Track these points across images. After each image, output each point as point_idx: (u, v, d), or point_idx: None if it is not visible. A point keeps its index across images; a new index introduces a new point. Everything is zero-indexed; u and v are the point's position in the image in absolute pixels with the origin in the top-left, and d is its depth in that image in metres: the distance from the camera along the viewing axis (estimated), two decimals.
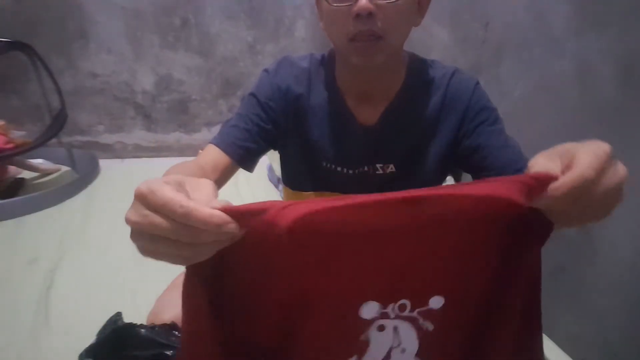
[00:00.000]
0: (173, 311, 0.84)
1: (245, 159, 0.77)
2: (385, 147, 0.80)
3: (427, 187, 0.38)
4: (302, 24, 2.14)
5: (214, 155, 0.75)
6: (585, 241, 0.97)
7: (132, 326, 0.75)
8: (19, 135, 1.72)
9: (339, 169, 0.82)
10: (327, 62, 0.81)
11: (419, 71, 0.80)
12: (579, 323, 1.00)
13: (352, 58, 0.70)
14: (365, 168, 0.81)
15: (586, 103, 0.95)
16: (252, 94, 0.80)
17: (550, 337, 1.03)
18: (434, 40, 1.52)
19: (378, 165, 0.81)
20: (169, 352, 0.71)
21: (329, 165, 0.82)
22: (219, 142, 0.76)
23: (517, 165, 0.73)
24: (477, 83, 0.79)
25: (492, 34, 1.27)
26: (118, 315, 0.80)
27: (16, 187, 1.74)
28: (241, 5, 2.05)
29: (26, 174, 1.84)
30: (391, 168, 0.81)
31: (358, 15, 0.63)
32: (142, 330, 0.74)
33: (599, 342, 0.95)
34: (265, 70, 0.82)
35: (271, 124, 0.80)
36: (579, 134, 1.07)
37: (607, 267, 0.92)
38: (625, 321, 0.89)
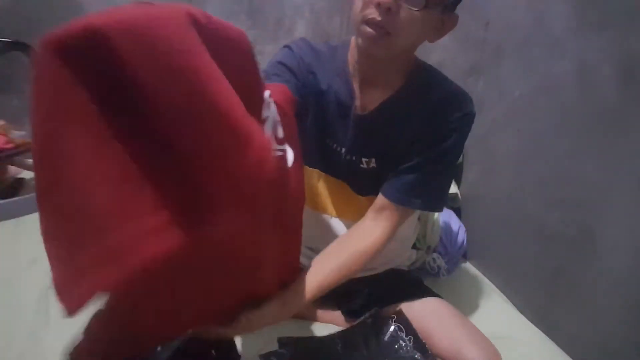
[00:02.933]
0: None
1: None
2: (371, 140, 0.84)
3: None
4: (302, 24, 2.14)
5: None
6: (585, 241, 0.97)
7: None
8: (19, 135, 1.72)
9: (337, 148, 0.87)
10: (342, 50, 0.86)
11: (423, 80, 0.83)
12: (579, 323, 1.00)
13: (359, 39, 0.74)
14: (354, 157, 0.86)
15: (586, 103, 0.95)
16: (280, 62, 0.82)
17: (550, 337, 1.03)
18: None
19: (364, 159, 0.86)
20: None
21: (331, 143, 0.87)
22: None
23: (395, 194, 0.82)
24: (469, 114, 0.81)
25: (492, 34, 1.27)
26: None
27: (16, 187, 1.74)
28: (241, 5, 2.05)
29: (26, 174, 1.84)
30: (373, 163, 0.85)
31: (379, 5, 0.66)
32: None
33: (599, 342, 0.95)
34: (288, 46, 0.86)
35: (296, 89, 0.81)
36: (579, 134, 1.08)
37: (607, 267, 0.92)
38: (625, 321, 0.89)
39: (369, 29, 0.70)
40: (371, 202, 0.86)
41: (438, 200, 0.85)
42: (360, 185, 0.89)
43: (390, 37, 0.70)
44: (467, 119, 0.81)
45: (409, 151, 0.82)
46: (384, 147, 0.84)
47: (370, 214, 0.83)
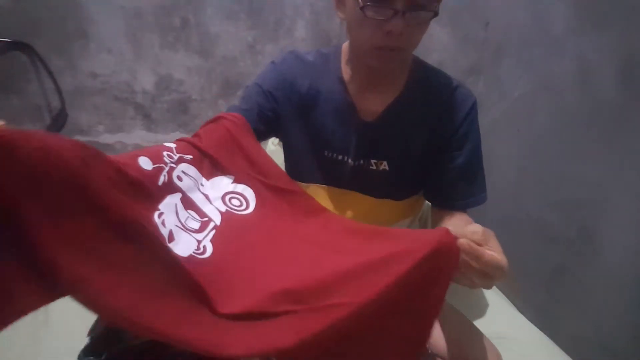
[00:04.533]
0: None
1: None
2: (380, 144, 0.82)
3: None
4: (302, 24, 2.14)
5: None
6: (585, 241, 0.97)
7: None
8: None
9: (339, 157, 0.84)
10: (334, 57, 0.84)
11: (422, 76, 0.82)
12: (579, 323, 1.00)
13: (371, 62, 0.72)
14: (361, 161, 0.83)
15: (586, 103, 0.95)
16: (257, 84, 0.83)
17: (550, 337, 1.03)
18: (434, 41, 1.52)
19: (372, 161, 0.83)
20: None
21: (330, 154, 0.84)
22: None
23: (446, 202, 0.82)
24: (475, 102, 0.82)
25: (492, 34, 1.27)
26: None
27: None
28: (241, 5, 2.05)
29: None
30: (384, 166, 0.83)
31: (390, 32, 0.65)
32: None
33: (599, 342, 0.95)
34: (272, 62, 0.85)
35: (272, 112, 0.82)
36: (579, 134, 1.08)
37: (607, 267, 0.92)
38: (626, 321, 0.89)
39: (382, 53, 0.69)
40: (385, 205, 0.85)
41: (485, 191, 0.84)
42: (372, 188, 0.87)
43: (404, 51, 0.70)
44: (475, 107, 0.81)
45: (421, 150, 0.81)
46: (396, 149, 0.82)
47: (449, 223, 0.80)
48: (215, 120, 0.75)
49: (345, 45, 0.84)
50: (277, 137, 0.89)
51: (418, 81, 0.81)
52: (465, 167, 0.80)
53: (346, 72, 0.82)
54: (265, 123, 0.81)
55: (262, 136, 0.82)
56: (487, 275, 0.50)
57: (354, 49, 0.79)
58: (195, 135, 0.71)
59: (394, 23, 0.64)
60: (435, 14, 0.67)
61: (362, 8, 0.66)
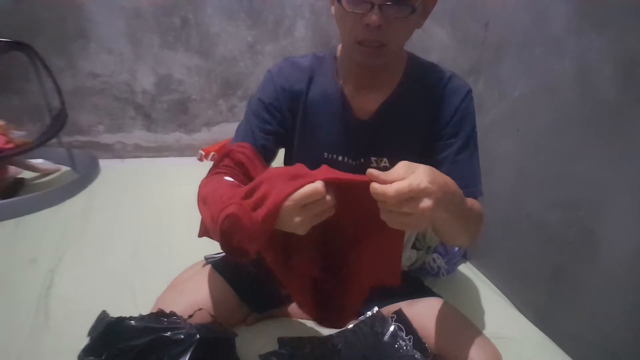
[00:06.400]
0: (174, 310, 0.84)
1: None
2: (378, 142, 0.84)
3: None
4: (302, 24, 2.14)
5: None
6: (585, 241, 0.97)
7: (121, 320, 0.76)
8: (19, 135, 1.72)
9: (340, 158, 0.85)
10: (329, 59, 0.85)
11: (416, 72, 0.83)
12: (579, 323, 1.00)
13: (356, 57, 0.74)
14: (362, 160, 0.85)
15: (586, 103, 0.95)
16: (259, 99, 0.84)
17: (550, 337, 1.03)
18: (433, 41, 1.52)
19: (372, 158, 0.85)
20: (166, 334, 0.72)
21: (330, 155, 0.85)
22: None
23: None
24: (470, 91, 0.83)
25: (492, 34, 1.27)
26: (104, 313, 0.81)
27: (16, 187, 1.74)
28: (241, 5, 2.05)
29: (26, 174, 1.84)
30: (384, 162, 0.84)
31: (368, 25, 0.67)
32: (132, 321, 0.75)
33: (599, 342, 0.95)
34: (269, 72, 0.87)
35: (278, 125, 0.84)
36: (579, 134, 1.08)
37: (607, 267, 0.92)
38: (625, 321, 0.89)
39: (364, 48, 0.71)
40: None
41: (480, 184, 0.84)
42: None
43: (386, 47, 0.71)
44: (469, 97, 0.82)
45: (420, 145, 0.82)
46: (394, 145, 0.83)
47: None
48: (227, 154, 0.79)
49: (340, 47, 0.85)
50: (284, 146, 0.90)
51: (412, 78, 0.82)
52: (458, 156, 0.81)
53: (341, 73, 0.83)
54: (278, 142, 0.85)
55: (275, 152, 0.86)
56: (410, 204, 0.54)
57: (343, 46, 0.81)
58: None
59: (370, 16, 0.66)
60: (414, 10, 0.68)
61: (339, 1, 0.69)
